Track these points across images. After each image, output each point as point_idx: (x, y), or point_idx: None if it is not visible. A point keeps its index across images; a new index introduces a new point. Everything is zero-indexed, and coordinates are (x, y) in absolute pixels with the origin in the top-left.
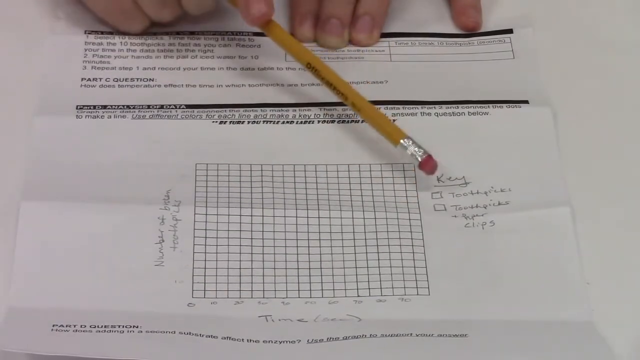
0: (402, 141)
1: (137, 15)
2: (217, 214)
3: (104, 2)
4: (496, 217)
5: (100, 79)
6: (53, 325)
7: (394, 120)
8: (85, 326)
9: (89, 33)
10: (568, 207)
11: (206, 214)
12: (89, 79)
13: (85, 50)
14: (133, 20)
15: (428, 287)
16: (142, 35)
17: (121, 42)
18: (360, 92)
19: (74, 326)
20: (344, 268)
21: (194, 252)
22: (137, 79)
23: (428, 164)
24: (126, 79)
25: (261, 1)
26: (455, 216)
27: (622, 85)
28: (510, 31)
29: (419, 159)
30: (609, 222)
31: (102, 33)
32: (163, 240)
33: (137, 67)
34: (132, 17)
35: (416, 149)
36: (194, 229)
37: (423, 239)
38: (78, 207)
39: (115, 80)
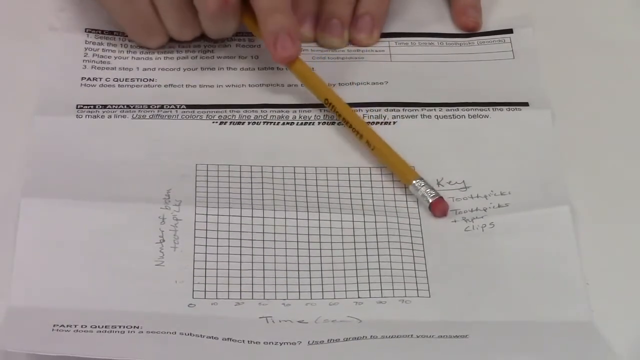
0: (414, 182)
1: (159, 31)
2: (217, 215)
3: (129, 16)
4: (496, 219)
5: (101, 78)
6: (54, 325)
7: (394, 123)
8: (86, 326)
9: (89, 32)
10: (568, 206)
11: (207, 214)
12: (89, 79)
13: (86, 49)
14: (154, 36)
15: (428, 289)
16: None
17: (121, 44)
18: (360, 94)
19: (75, 326)
20: (344, 270)
21: (194, 253)
22: (138, 79)
23: (439, 207)
24: (126, 79)
25: (288, 40)
26: (455, 221)
27: (622, 85)
28: (510, 31)
29: (430, 200)
30: (609, 222)
31: (102, 32)
32: (163, 240)
33: (138, 68)
34: (154, 32)
35: (428, 190)
36: (195, 228)
37: (423, 244)
38: (78, 206)
39: (116, 80)
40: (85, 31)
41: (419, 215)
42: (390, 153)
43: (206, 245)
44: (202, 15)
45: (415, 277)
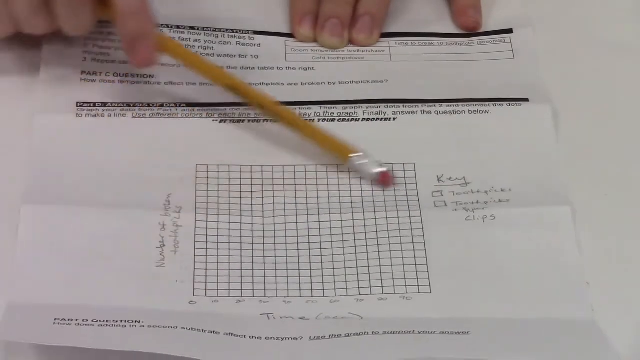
0: (351, 156)
1: (4, 18)
2: (217, 221)
3: None
4: (497, 212)
5: (100, 72)
6: (55, 319)
7: (394, 119)
8: (87, 320)
9: None
10: (568, 206)
11: (207, 221)
12: (89, 73)
13: (85, 39)
14: None
15: (429, 285)
16: None
17: None
18: (360, 92)
19: (76, 320)
20: (345, 267)
21: (194, 255)
22: (137, 74)
23: (386, 178)
24: (126, 75)
25: (145, 46)
26: (455, 210)
27: (622, 85)
28: (510, 31)
29: (374, 172)
30: (609, 221)
31: (102, 21)
32: (164, 245)
33: None
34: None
35: (371, 163)
36: (195, 234)
37: (424, 235)
38: (78, 211)
39: (115, 75)
40: None
41: (419, 206)
42: (318, 131)
43: (206, 249)
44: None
45: (416, 271)
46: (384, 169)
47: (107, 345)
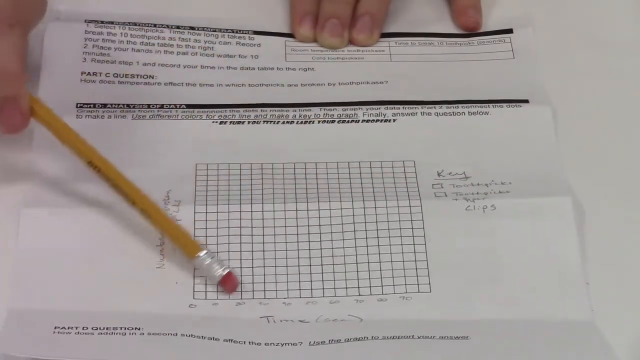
0: (199, 254)
1: None
2: (217, 212)
3: None
4: (497, 202)
5: (100, 73)
6: (55, 327)
7: (394, 120)
8: (87, 328)
9: (89, 22)
10: (569, 196)
11: (206, 212)
12: (89, 73)
13: (85, 39)
14: None
15: (429, 283)
16: (142, 26)
17: (121, 33)
18: (360, 93)
19: (76, 328)
20: (344, 264)
21: None
22: (137, 75)
23: (229, 281)
24: (126, 75)
25: (16, 114)
26: (456, 199)
27: (622, 85)
28: (510, 31)
29: (217, 274)
30: (609, 222)
31: (102, 22)
32: (163, 242)
33: (137, 62)
34: None
35: (215, 265)
36: (194, 227)
37: (424, 228)
38: (78, 212)
39: (115, 75)
40: (85, 21)
41: (419, 196)
42: (169, 222)
43: (206, 244)
44: None
45: (416, 269)
46: (227, 271)
47: (107, 357)
